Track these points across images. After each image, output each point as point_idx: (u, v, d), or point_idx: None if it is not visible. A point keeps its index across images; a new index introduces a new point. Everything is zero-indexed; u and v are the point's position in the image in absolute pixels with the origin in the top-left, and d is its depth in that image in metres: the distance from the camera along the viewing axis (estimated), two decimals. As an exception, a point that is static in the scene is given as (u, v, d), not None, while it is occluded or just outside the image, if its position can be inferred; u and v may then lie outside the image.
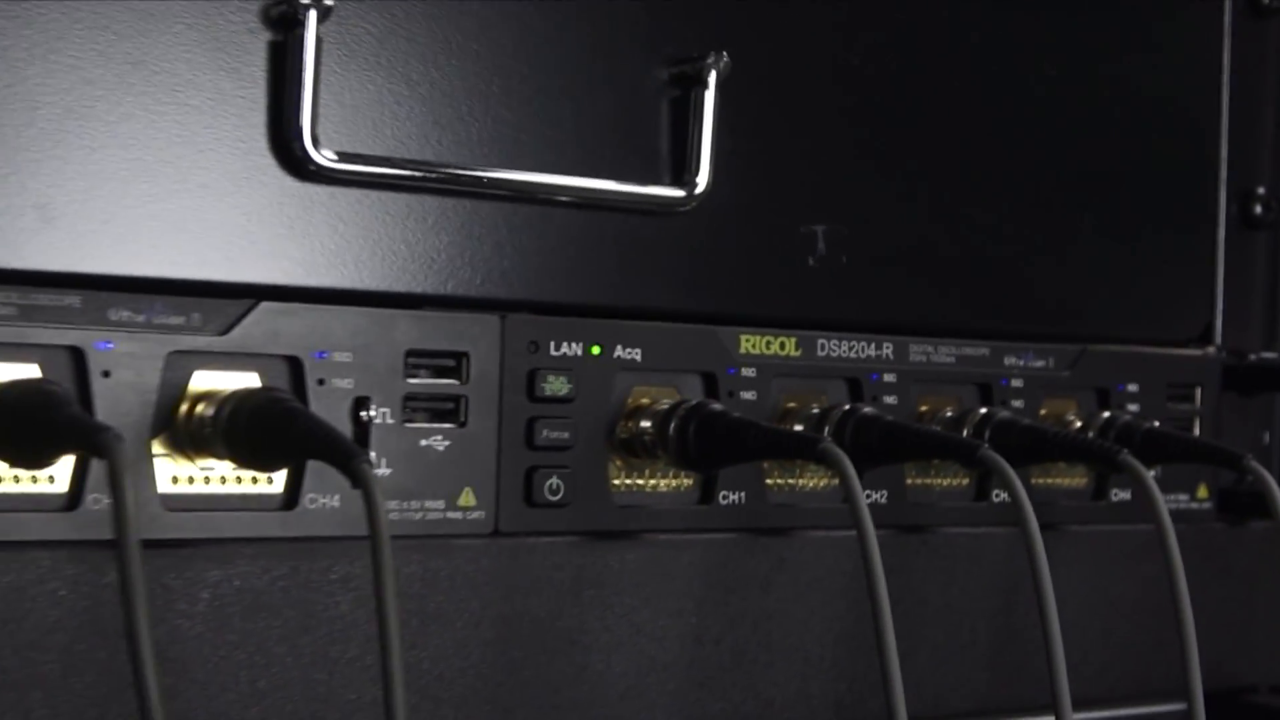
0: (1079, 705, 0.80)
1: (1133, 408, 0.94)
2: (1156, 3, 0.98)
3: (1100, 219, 0.95)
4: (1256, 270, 1.03)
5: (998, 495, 0.89)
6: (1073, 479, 0.94)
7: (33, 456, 0.63)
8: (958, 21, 0.90)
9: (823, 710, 0.84)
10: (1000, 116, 0.92)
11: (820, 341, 0.85)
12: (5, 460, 0.63)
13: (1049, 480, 0.93)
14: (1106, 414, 0.93)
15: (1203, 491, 0.98)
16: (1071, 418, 0.93)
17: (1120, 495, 0.94)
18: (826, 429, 0.83)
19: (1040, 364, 0.92)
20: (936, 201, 0.89)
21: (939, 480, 0.89)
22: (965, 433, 0.87)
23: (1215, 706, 0.95)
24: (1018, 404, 0.91)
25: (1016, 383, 0.91)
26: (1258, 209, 1.02)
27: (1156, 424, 0.93)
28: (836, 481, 0.83)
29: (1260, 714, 1.01)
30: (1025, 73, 0.92)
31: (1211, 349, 0.99)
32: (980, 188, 0.91)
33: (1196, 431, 0.98)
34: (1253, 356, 1.02)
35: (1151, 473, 0.86)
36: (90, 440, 0.59)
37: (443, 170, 0.73)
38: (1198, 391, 0.98)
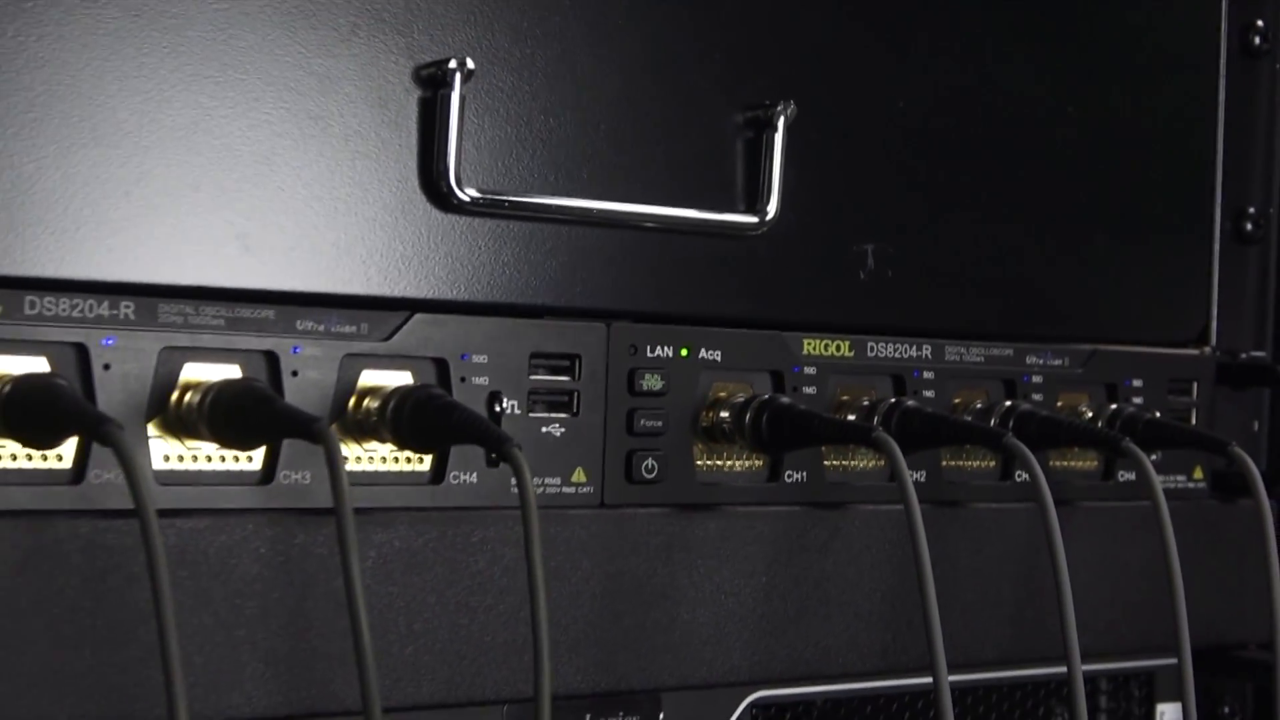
0: (1087, 657, 0.84)
1: (1137, 400, 0.97)
2: (1161, 47, 1.00)
3: (1110, 236, 0.97)
4: (1247, 280, 1.06)
5: (1020, 476, 0.92)
6: (1084, 462, 0.96)
7: (246, 440, 0.70)
8: (987, 71, 0.93)
9: (871, 656, 0.87)
10: (1023, 150, 0.94)
11: (870, 344, 0.88)
12: (218, 442, 0.70)
13: (1064, 463, 0.95)
14: (1114, 406, 0.95)
15: (1198, 473, 1.00)
16: (1084, 409, 0.95)
17: (1126, 476, 0.97)
18: (875, 419, 0.86)
19: (1057, 362, 0.94)
20: (969, 224, 0.92)
21: (970, 463, 0.92)
22: (992, 422, 0.90)
23: (1210, 660, 1.02)
24: (1037, 397, 0.93)
25: (1037, 379, 0.93)
26: (1248, 226, 1.06)
27: (1157, 415, 0.95)
28: (884, 464, 0.88)
29: (1249, 667, 1.04)
30: (1045, 113, 0.95)
31: (1207, 349, 1.02)
32: (1006, 212, 0.94)
33: (1194, 421, 1.00)
34: (1244, 355, 1.05)
35: (1152, 457, 0.89)
36: (308, 430, 0.66)
37: (559, 203, 0.79)
38: (1195, 386, 1.00)
